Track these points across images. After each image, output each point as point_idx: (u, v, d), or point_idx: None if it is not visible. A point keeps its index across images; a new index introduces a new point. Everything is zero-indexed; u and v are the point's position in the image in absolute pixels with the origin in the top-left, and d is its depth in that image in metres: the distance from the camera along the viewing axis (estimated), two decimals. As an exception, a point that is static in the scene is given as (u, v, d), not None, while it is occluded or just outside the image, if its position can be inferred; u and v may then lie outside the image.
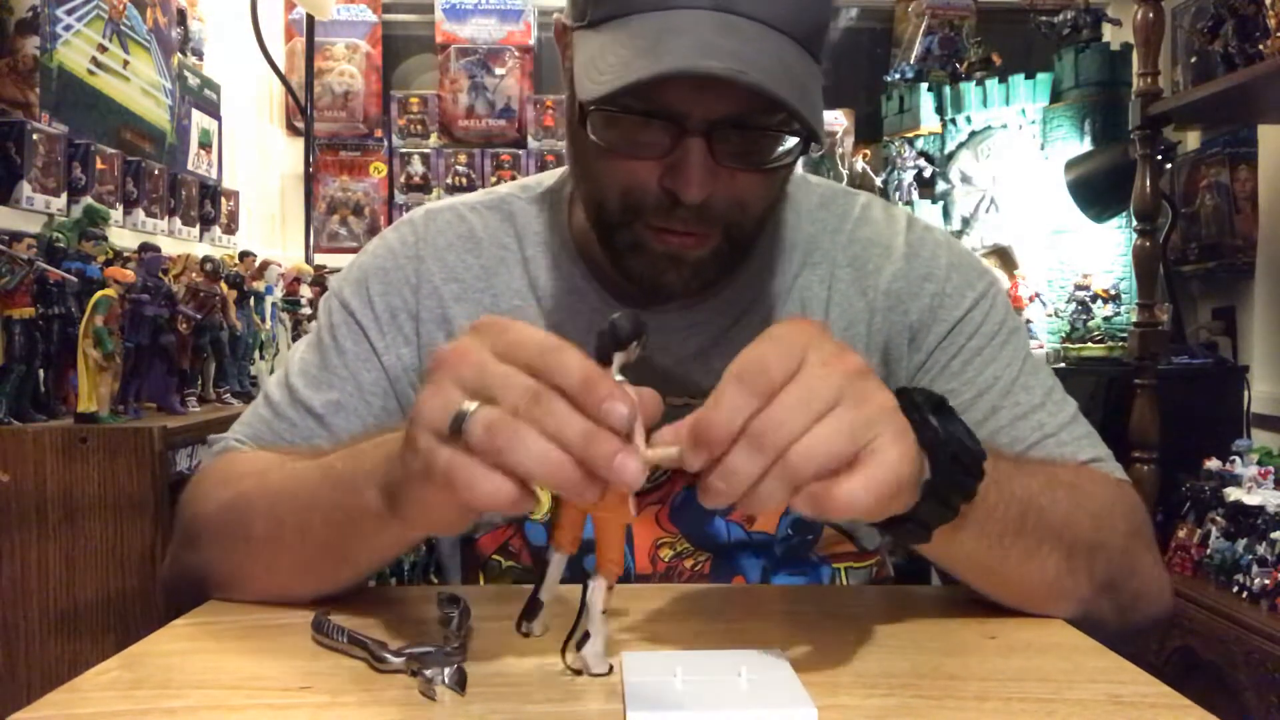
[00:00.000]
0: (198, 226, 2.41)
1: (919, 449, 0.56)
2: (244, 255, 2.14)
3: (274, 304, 2.10)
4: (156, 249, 1.66)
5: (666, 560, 0.84)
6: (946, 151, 2.99)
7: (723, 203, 0.71)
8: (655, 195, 0.71)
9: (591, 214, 0.78)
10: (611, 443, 0.47)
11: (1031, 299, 2.76)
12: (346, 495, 0.63)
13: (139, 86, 2.20)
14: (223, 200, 2.56)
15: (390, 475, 0.58)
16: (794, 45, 0.68)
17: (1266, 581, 1.67)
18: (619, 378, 0.50)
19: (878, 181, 3.13)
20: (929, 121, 3.00)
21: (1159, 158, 2.18)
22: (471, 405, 0.49)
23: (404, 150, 3.19)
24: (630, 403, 0.48)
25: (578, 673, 0.56)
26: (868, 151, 3.21)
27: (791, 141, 0.71)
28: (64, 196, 1.81)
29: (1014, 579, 0.68)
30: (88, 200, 1.87)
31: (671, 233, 0.73)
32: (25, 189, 1.70)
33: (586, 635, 0.56)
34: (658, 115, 0.68)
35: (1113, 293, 2.68)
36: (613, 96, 0.65)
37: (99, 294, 1.41)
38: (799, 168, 0.80)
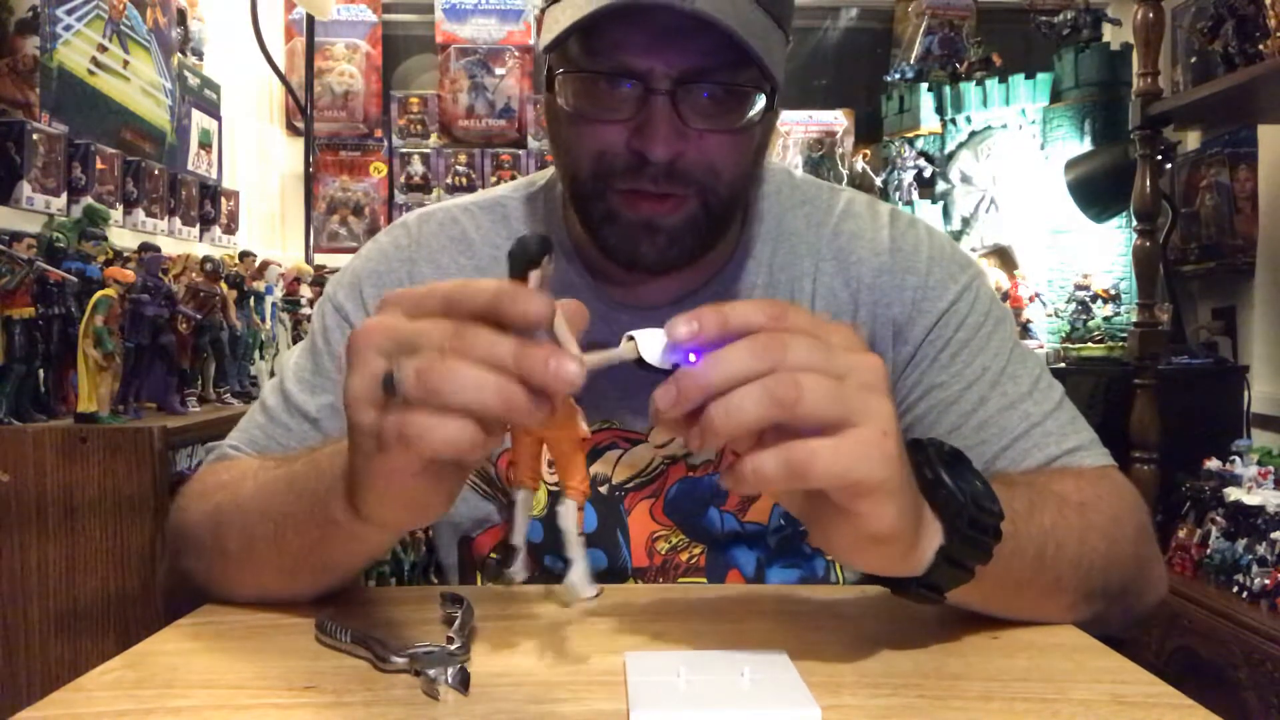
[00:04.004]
0: (198, 226, 2.41)
1: (921, 499, 0.56)
2: (244, 255, 2.14)
3: (274, 304, 2.10)
4: (156, 249, 1.66)
5: (663, 553, 0.85)
6: (946, 151, 2.99)
7: (693, 164, 0.72)
8: (624, 157, 0.72)
9: (568, 188, 0.79)
10: (542, 349, 0.46)
11: (1031, 299, 2.76)
12: (314, 509, 0.62)
13: (139, 86, 2.20)
14: (223, 200, 2.56)
15: (350, 478, 0.56)
16: (749, 2, 0.69)
17: (1266, 581, 1.67)
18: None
19: (878, 181, 3.13)
20: (929, 121, 3.00)
21: (1159, 158, 2.18)
22: (391, 366, 0.48)
23: (404, 150, 3.19)
24: (549, 305, 0.47)
25: (567, 605, 0.56)
26: (868, 151, 3.21)
27: (758, 103, 0.72)
28: (64, 196, 1.81)
29: (1029, 612, 0.68)
30: (88, 200, 1.87)
31: (643, 197, 0.73)
32: (25, 189, 1.70)
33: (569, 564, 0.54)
34: (621, 74, 0.70)
35: (1113, 293, 2.68)
36: (564, 38, 0.68)
37: (99, 294, 1.41)
38: (797, 169, 0.80)
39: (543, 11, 0.77)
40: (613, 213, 0.75)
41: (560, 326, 0.49)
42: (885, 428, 0.50)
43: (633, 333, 0.51)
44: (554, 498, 0.84)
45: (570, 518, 0.54)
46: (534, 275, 0.49)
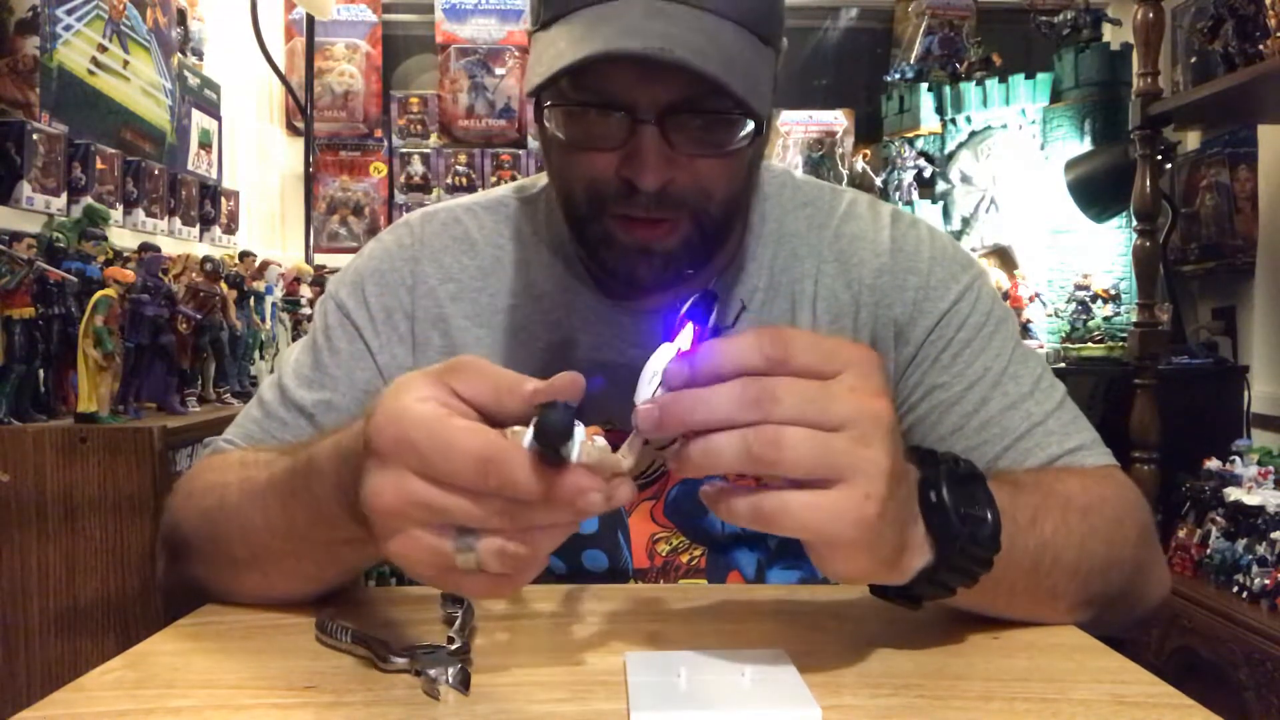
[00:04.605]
0: (198, 226, 2.41)
1: (914, 529, 0.56)
2: (244, 255, 2.14)
3: (274, 304, 2.10)
4: (156, 249, 1.66)
5: (664, 555, 0.85)
6: (946, 151, 2.99)
7: (685, 189, 0.72)
8: (615, 185, 0.72)
9: (563, 210, 0.79)
10: (599, 497, 0.47)
11: (1031, 299, 2.76)
12: (332, 529, 0.61)
13: (139, 86, 2.20)
14: (223, 200, 2.56)
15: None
16: (732, 26, 0.69)
17: (1266, 581, 1.67)
18: (576, 448, 0.47)
19: (878, 181, 3.13)
20: (929, 121, 3.00)
21: (1159, 158, 2.18)
22: (456, 543, 0.48)
23: (404, 150, 3.19)
24: (594, 481, 0.47)
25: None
26: (868, 151, 3.21)
27: (748, 125, 0.72)
28: (64, 196, 1.81)
29: (1022, 615, 0.68)
30: (88, 200, 1.87)
31: (636, 222, 0.73)
32: (25, 189, 1.70)
33: None
34: (608, 106, 0.70)
35: (1113, 293, 2.68)
36: (547, 84, 0.69)
37: (99, 294, 1.41)
38: (797, 169, 0.80)
39: (530, 34, 0.77)
40: (609, 236, 0.75)
41: (590, 449, 0.48)
42: (869, 489, 0.49)
43: (637, 401, 0.51)
44: None
45: None
46: (566, 449, 0.47)
